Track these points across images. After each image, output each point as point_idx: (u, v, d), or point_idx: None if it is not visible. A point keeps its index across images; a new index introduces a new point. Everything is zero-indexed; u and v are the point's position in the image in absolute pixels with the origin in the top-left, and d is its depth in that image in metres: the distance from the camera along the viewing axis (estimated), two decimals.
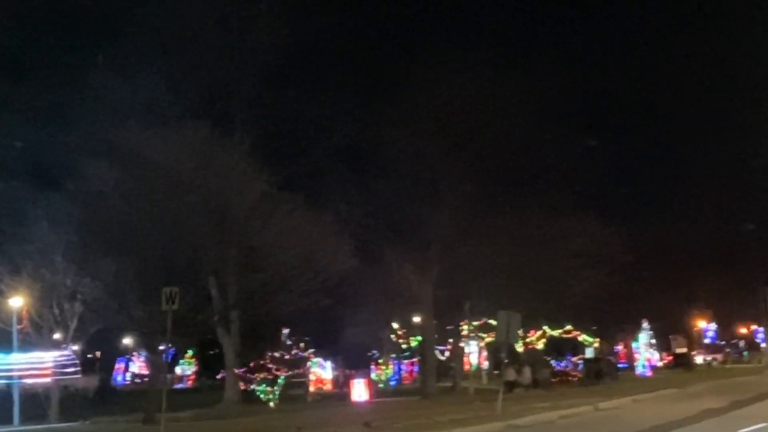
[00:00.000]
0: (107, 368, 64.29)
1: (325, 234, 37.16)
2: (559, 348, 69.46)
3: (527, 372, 50.30)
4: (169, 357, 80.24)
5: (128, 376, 76.41)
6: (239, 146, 38.56)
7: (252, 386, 38.73)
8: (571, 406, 28.91)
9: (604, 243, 42.24)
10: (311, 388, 53.01)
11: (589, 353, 66.53)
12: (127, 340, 79.30)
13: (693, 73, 62.40)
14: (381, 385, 59.67)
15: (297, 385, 48.90)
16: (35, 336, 37.03)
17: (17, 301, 35.87)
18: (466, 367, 58.63)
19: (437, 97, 41.13)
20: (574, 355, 69.04)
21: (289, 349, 43.09)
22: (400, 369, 64.31)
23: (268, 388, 38.48)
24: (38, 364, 35.98)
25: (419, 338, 51.21)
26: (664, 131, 63.21)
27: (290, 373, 41.32)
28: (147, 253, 33.34)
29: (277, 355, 39.83)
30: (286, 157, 40.92)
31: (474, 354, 63.77)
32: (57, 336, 37.95)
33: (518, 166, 42.04)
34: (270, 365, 38.88)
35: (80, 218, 34.96)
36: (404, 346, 59.71)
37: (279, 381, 38.82)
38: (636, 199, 62.38)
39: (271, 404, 38.06)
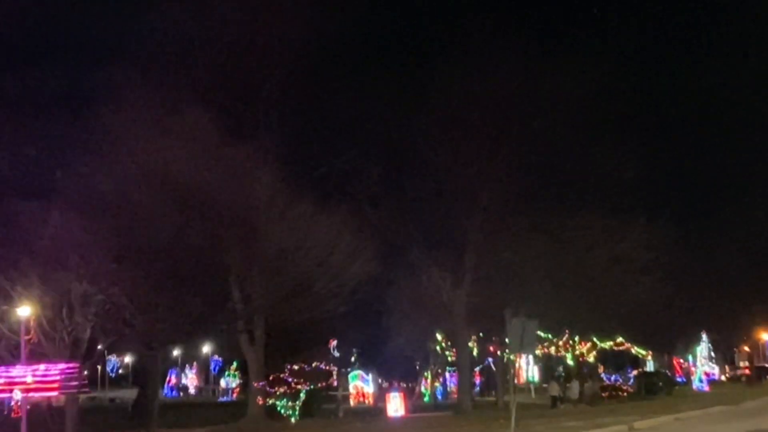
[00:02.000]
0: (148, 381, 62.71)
1: (344, 236, 34.76)
2: (616, 361, 66.48)
3: (575, 386, 47.38)
4: (215, 369, 79.91)
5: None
6: (263, 144, 36.73)
7: (271, 401, 36.46)
8: (602, 425, 26.08)
9: (651, 248, 39.26)
10: (351, 402, 51.03)
11: (650, 366, 63.61)
12: (177, 352, 78.86)
13: (748, 67, 58.75)
14: (426, 399, 57.49)
15: (332, 398, 46.80)
16: (48, 347, 35.63)
17: (25, 311, 34.39)
18: (520, 380, 56.18)
19: (474, 94, 38.75)
20: (635, 368, 65.79)
21: (311, 361, 40.42)
22: (445, 382, 61.69)
23: (289, 403, 36.30)
24: (46, 377, 34.35)
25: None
26: (720, 129, 59.22)
27: (312, 387, 38.74)
28: (156, 256, 31.62)
29: (296, 367, 37.39)
30: (312, 156, 38.94)
31: (526, 367, 61.34)
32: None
33: (559, 166, 39.51)
34: (289, 378, 36.51)
35: (88, 225, 33.43)
36: (450, 359, 57.16)
37: (300, 395, 36.55)
38: (694, 204, 58.61)
39: (292, 420, 35.87)
